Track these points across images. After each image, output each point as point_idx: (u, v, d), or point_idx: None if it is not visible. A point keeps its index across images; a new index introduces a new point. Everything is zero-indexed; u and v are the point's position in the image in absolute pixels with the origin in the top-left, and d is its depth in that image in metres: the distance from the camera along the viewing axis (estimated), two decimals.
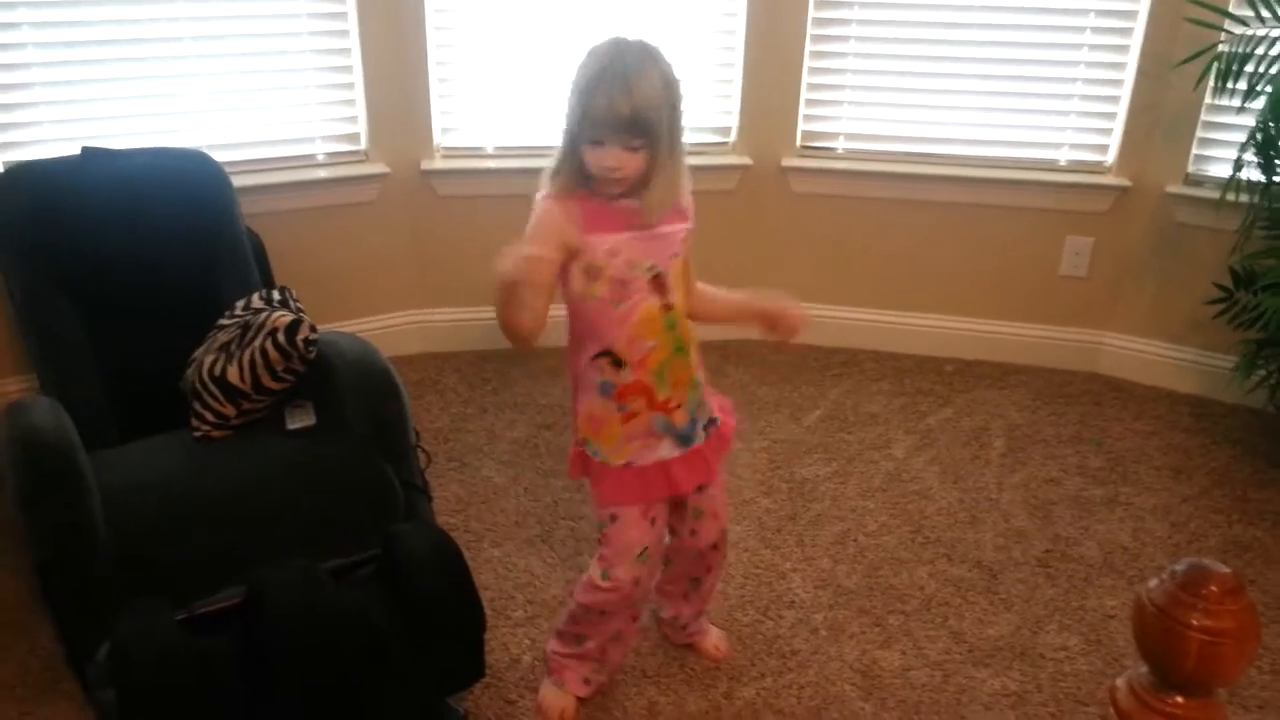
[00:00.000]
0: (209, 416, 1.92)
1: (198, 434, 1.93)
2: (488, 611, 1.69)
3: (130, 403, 2.04)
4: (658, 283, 1.56)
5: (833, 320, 3.19)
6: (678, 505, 1.74)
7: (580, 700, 1.80)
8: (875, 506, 2.40)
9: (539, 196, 1.56)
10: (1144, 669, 0.87)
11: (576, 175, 1.52)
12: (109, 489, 1.71)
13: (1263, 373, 2.58)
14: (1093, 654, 1.96)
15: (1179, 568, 0.84)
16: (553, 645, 1.81)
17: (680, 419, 1.63)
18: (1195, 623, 0.79)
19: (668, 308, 1.58)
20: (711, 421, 1.70)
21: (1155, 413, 2.88)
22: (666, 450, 1.63)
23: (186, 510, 1.75)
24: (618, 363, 1.57)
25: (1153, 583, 0.85)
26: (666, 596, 1.91)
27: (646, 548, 1.66)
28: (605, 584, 1.66)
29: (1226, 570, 0.83)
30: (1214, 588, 0.81)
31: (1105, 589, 2.14)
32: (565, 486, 2.39)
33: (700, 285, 1.71)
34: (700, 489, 1.71)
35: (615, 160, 1.47)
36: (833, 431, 2.72)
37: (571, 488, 2.37)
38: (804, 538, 2.28)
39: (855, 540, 2.28)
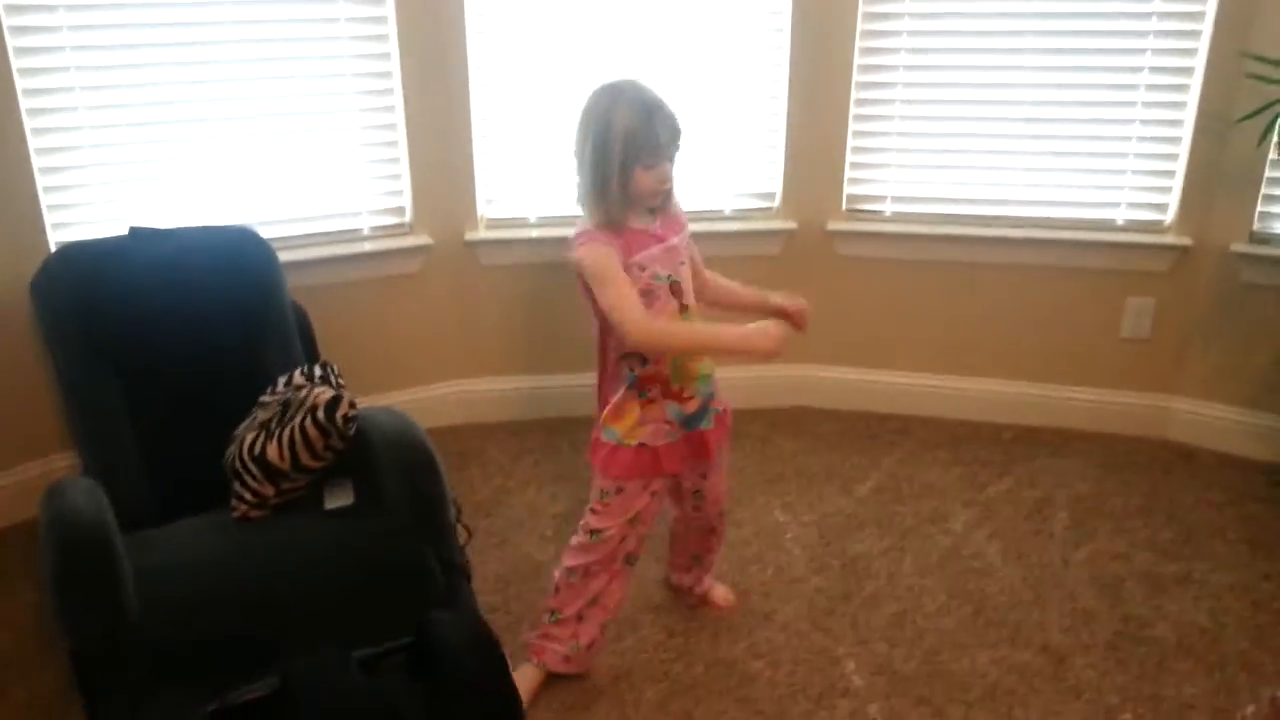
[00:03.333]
0: (248, 496, 1.90)
1: (236, 514, 1.90)
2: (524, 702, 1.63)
3: (173, 482, 2.03)
4: (675, 289, 1.82)
5: (885, 386, 3.11)
6: (676, 487, 2.00)
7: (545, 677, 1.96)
8: (933, 585, 2.29)
9: (581, 235, 1.77)
10: None
11: (617, 203, 1.73)
12: (144, 572, 1.69)
13: None
14: None
15: None
16: (530, 633, 1.99)
17: (691, 406, 1.87)
18: None
19: (684, 309, 1.83)
20: (717, 410, 1.94)
21: (1228, 481, 2.74)
22: (674, 434, 1.86)
23: (220, 595, 1.72)
24: (643, 359, 1.81)
25: (1250, 709, 0.76)
26: (674, 569, 2.21)
27: (639, 512, 1.89)
28: (594, 541, 1.88)
29: None
30: None
31: (1182, 675, 2.01)
32: None
33: (715, 276, 1.98)
34: (702, 475, 1.98)
35: (669, 174, 1.76)
36: (886, 504, 2.63)
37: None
38: (858, 619, 2.18)
39: (913, 622, 2.17)
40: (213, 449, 2.00)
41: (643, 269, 1.77)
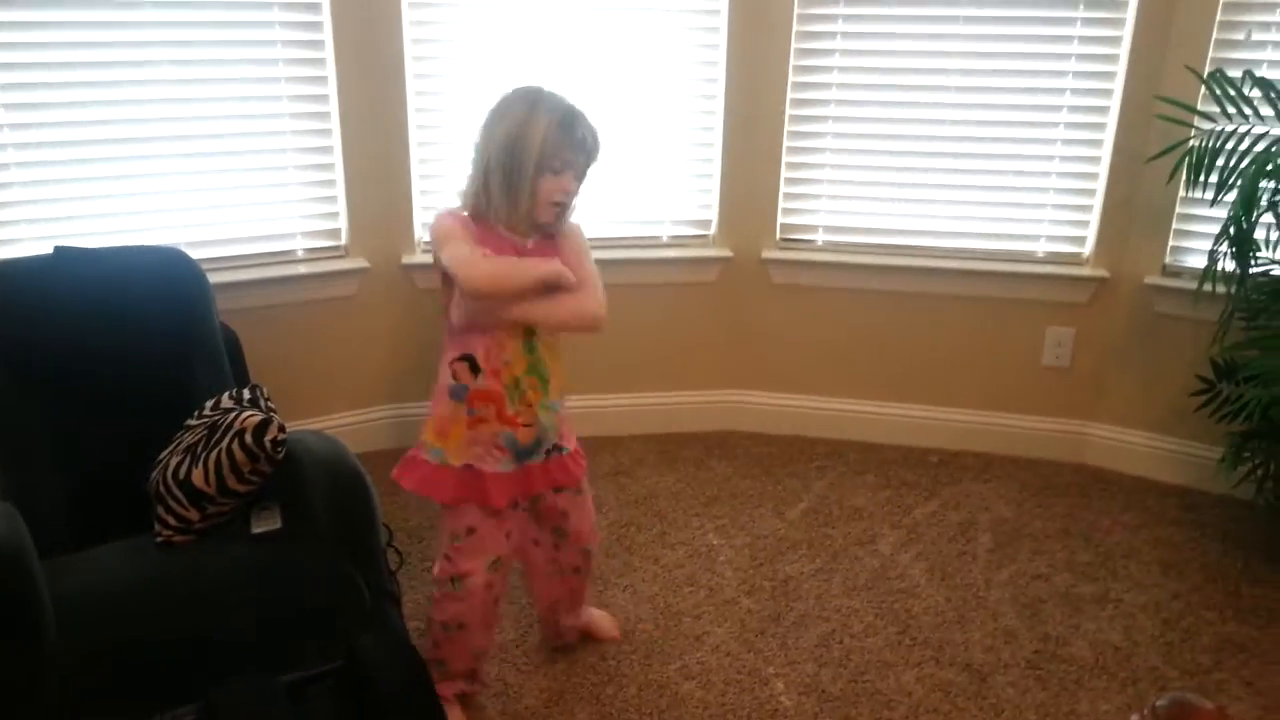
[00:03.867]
0: (171, 521, 1.86)
1: (159, 539, 1.87)
2: None
3: (95, 506, 1.99)
4: None
5: (816, 411, 3.17)
6: (535, 522, 1.92)
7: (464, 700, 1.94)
8: (861, 606, 2.34)
9: (440, 213, 1.75)
10: None
11: (504, 205, 1.69)
12: (63, 598, 1.65)
13: (1250, 464, 2.55)
14: None
15: (1161, 703, 0.80)
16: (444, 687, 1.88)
17: (525, 436, 1.78)
18: None
19: (529, 332, 1.75)
20: (557, 448, 1.84)
21: (1143, 505, 2.84)
22: (504, 464, 1.78)
23: (143, 623, 1.68)
24: (475, 368, 1.73)
25: (1134, 718, 0.81)
26: (541, 618, 2.12)
27: (499, 558, 1.84)
28: (458, 590, 1.82)
29: (1210, 706, 0.79)
30: None
31: (1098, 691, 2.08)
32: None
33: None
34: (563, 513, 1.91)
35: (572, 187, 1.71)
36: (817, 526, 2.68)
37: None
38: (787, 640, 2.21)
39: (840, 642, 2.21)
40: (137, 473, 1.97)
41: None
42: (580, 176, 1.73)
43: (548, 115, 1.68)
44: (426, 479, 1.80)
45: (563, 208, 1.74)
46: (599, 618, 2.19)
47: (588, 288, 1.76)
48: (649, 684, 2.06)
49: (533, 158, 1.66)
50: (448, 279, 1.74)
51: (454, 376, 1.76)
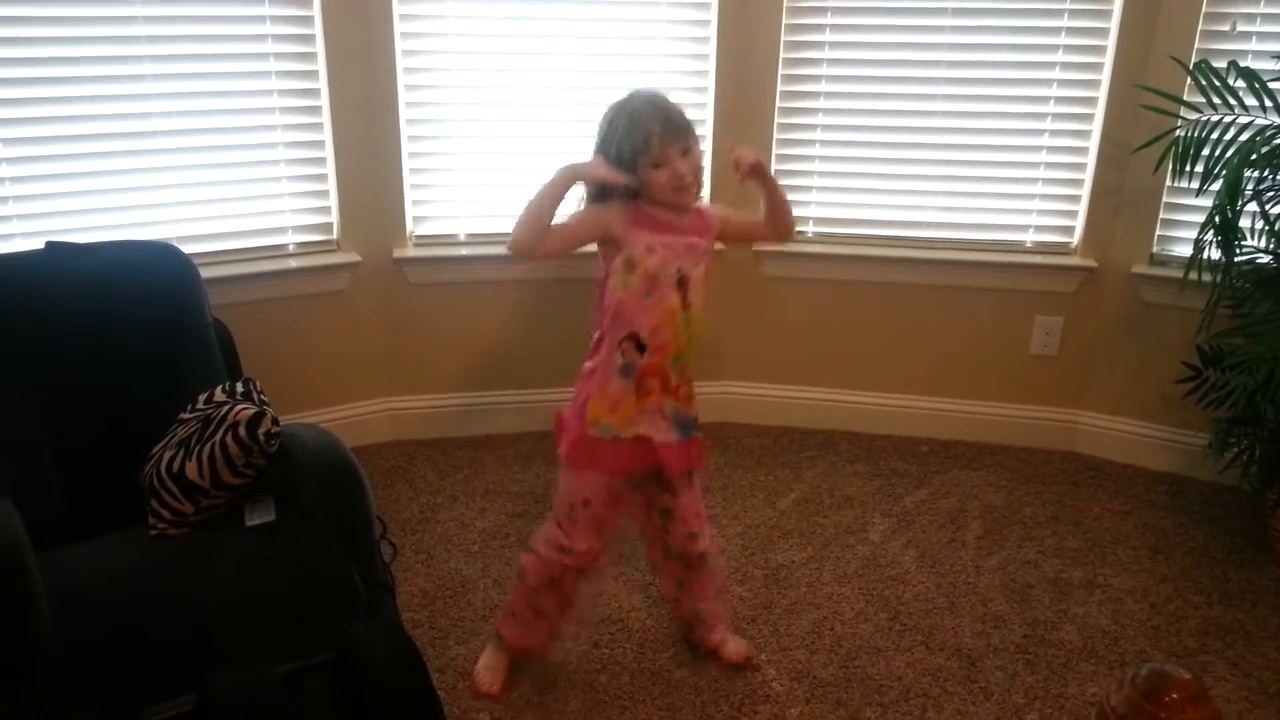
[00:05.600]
0: (166, 514, 1.87)
1: (154, 532, 1.88)
2: (449, 716, 1.64)
3: (90, 500, 2.00)
4: (682, 285, 1.81)
5: (808, 401, 3.18)
6: (644, 506, 1.98)
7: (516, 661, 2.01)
8: (852, 593, 2.36)
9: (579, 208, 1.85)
10: None
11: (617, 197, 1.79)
12: (60, 591, 1.66)
13: (1235, 450, 2.58)
14: None
15: (1140, 673, 0.82)
16: (504, 625, 2.01)
17: (687, 409, 1.89)
18: None
19: (687, 307, 1.83)
20: (696, 421, 1.93)
21: (1131, 492, 2.86)
22: (669, 433, 1.87)
23: (139, 613, 1.70)
24: (641, 346, 1.81)
25: (1114, 687, 0.83)
26: (666, 595, 2.16)
27: (606, 523, 1.91)
28: (564, 557, 1.89)
29: (1188, 676, 0.81)
30: (1175, 695, 0.80)
31: (1086, 675, 2.10)
32: None
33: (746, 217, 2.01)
34: (674, 493, 1.94)
35: (683, 168, 1.76)
36: (808, 515, 2.69)
37: None
38: (779, 627, 2.23)
39: (832, 629, 2.23)
40: (131, 466, 1.98)
41: (651, 251, 1.79)
42: (687, 154, 1.77)
43: (632, 110, 1.77)
44: (606, 457, 1.86)
45: (687, 187, 1.80)
46: (731, 644, 2.12)
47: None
48: (642, 671, 2.08)
49: (630, 152, 1.75)
50: (607, 259, 1.83)
51: (622, 355, 1.82)
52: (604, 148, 1.79)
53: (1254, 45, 2.62)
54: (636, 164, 1.76)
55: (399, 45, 2.74)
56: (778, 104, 2.94)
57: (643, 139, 1.74)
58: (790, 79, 2.93)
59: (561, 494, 1.91)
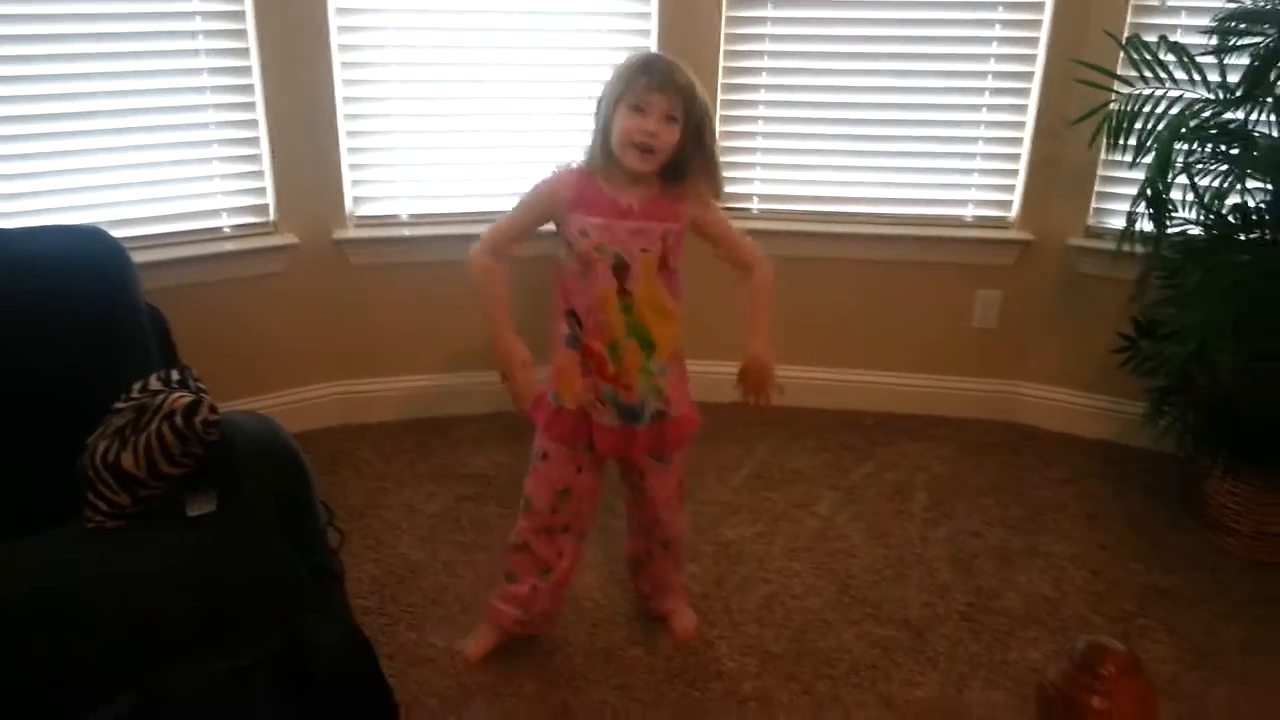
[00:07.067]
0: (102, 506, 1.82)
1: (91, 525, 1.82)
2: (401, 703, 1.62)
3: (23, 493, 1.93)
4: (620, 270, 1.75)
5: None
6: (623, 475, 1.99)
7: (503, 638, 2.02)
8: (801, 567, 2.39)
9: (557, 168, 1.81)
10: None
11: (600, 151, 1.74)
12: None
13: (1170, 419, 2.65)
14: (1018, 710, 1.96)
15: (1078, 646, 0.84)
16: (493, 597, 2.03)
17: (627, 397, 1.83)
18: (1095, 704, 0.78)
19: (624, 294, 1.77)
20: (661, 414, 1.87)
21: (1071, 460, 2.93)
22: (608, 418, 1.84)
23: (76, 612, 1.64)
24: (579, 322, 1.80)
25: (1052, 661, 0.84)
26: (627, 562, 2.17)
27: (570, 489, 1.90)
28: (525, 510, 1.91)
29: (1123, 648, 0.83)
30: (1111, 668, 0.81)
31: (1028, 641, 2.15)
32: (488, 560, 2.32)
33: (757, 286, 2.01)
34: (640, 474, 1.94)
35: (654, 126, 1.67)
36: (758, 490, 2.71)
37: (494, 561, 2.31)
38: (730, 603, 2.24)
39: (782, 603, 2.25)
40: (64, 458, 1.92)
41: (585, 235, 1.75)
42: (671, 120, 1.69)
43: (631, 58, 1.75)
44: (550, 421, 1.88)
45: (649, 152, 1.69)
46: (682, 616, 2.14)
47: (742, 248, 1.96)
48: (595, 651, 2.08)
49: (612, 93, 1.71)
50: (560, 231, 1.81)
51: (567, 326, 1.82)
52: (603, 89, 1.75)
53: (1184, 20, 2.67)
54: (614, 102, 1.70)
55: (334, 21, 2.67)
56: (720, 79, 2.93)
57: (629, 79, 1.69)
58: (732, 54, 2.92)
59: (535, 442, 1.93)
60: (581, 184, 1.77)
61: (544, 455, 1.90)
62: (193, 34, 2.55)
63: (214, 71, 2.60)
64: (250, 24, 2.59)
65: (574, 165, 1.81)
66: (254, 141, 2.70)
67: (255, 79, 2.64)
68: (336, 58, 2.70)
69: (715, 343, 3.24)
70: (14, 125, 2.41)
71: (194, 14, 2.54)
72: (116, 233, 2.22)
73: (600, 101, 1.75)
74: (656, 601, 2.15)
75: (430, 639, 2.08)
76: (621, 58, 1.78)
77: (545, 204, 1.81)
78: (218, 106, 2.63)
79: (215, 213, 2.72)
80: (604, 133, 1.73)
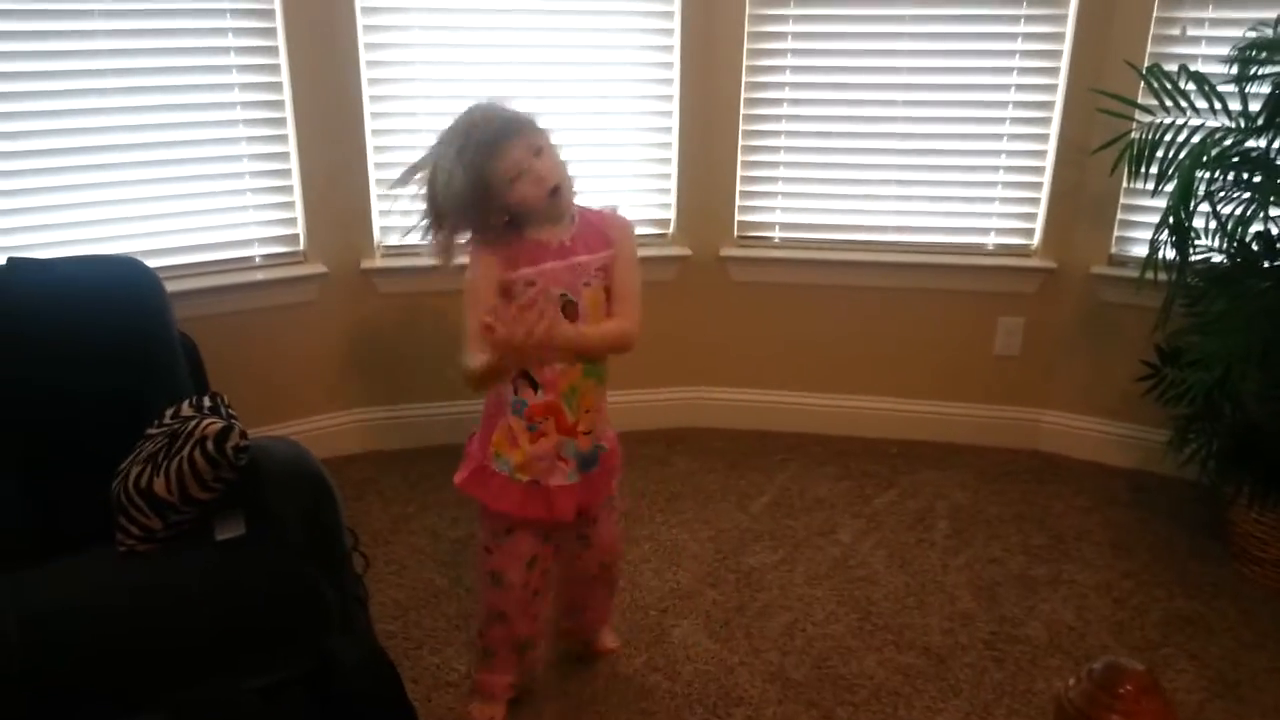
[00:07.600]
0: (134, 530, 1.86)
1: (122, 549, 1.86)
2: None
3: (57, 518, 1.98)
4: (569, 309, 1.70)
5: (778, 405, 3.21)
6: (564, 530, 1.87)
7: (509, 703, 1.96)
8: (823, 594, 2.39)
9: (470, 246, 1.71)
10: None
11: (493, 217, 1.66)
12: (25, 613, 1.64)
13: (1194, 446, 2.63)
14: None
15: (1096, 666, 0.85)
16: (476, 672, 1.97)
17: (585, 444, 1.77)
18: None
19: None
20: (601, 448, 1.82)
21: (1094, 488, 2.92)
22: (569, 475, 1.77)
23: (107, 632, 1.68)
24: (533, 384, 1.72)
25: (1071, 681, 0.85)
26: (558, 613, 2.08)
27: (536, 556, 1.84)
28: (499, 588, 1.84)
29: (1141, 668, 0.84)
30: (1129, 687, 0.82)
31: (1052, 670, 2.14)
32: None
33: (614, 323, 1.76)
34: (591, 522, 1.88)
35: (541, 170, 1.62)
36: (779, 518, 2.72)
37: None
38: (752, 629, 2.25)
39: (803, 630, 2.25)
40: (97, 484, 1.96)
41: (530, 284, 1.68)
42: (540, 152, 1.64)
43: (453, 130, 1.67)
44: (498, 492, 1.77)
45: (554, 187, 1.65)
46: (605, 632, 2.15)
47: (627, 306, 1.75)
48: (616, 676, 2.09)
49: (468, 172, 1.61)
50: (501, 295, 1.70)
51: (515, 391, 1.73)
52: (445, 193, 1.64)
53: (1203, 49, 2.69)
54: (493, 191, 1.63)
55: (364, 55, 2.74)
56: (742, 111, 2.97)
57: (476, 147, 1.60)
58: (754, 86, 2.97)
59: (483, 520, 1.85)
60: (506, 249, 1.69)
61: (508, 531, 1.81)
62: (227, 68, 2.63)
63: (247, 105, 2.67)
64: (283, 59, 2.66)
65: (476, 246, 1.71)
66: (285, 173, 2.76)
67: (288, 113, 2.71)
68: (366, 91, 2.77)
69: (732, 370, 3.28)
70: (53, 158, 2.48)
71: (228, 49, 2.62)
72: (151, 262, 2.28)
73: (447, 190, 1.64)
74: (594, 634, 2.12)
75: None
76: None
77: (492, 284, 1.70)
78: (251, 139, 2.71)
79: (247, 242, 2.78)
80: (478, 207, 1.64)
